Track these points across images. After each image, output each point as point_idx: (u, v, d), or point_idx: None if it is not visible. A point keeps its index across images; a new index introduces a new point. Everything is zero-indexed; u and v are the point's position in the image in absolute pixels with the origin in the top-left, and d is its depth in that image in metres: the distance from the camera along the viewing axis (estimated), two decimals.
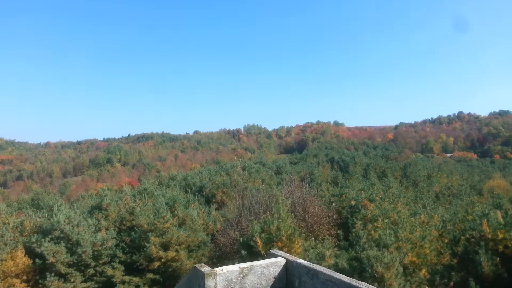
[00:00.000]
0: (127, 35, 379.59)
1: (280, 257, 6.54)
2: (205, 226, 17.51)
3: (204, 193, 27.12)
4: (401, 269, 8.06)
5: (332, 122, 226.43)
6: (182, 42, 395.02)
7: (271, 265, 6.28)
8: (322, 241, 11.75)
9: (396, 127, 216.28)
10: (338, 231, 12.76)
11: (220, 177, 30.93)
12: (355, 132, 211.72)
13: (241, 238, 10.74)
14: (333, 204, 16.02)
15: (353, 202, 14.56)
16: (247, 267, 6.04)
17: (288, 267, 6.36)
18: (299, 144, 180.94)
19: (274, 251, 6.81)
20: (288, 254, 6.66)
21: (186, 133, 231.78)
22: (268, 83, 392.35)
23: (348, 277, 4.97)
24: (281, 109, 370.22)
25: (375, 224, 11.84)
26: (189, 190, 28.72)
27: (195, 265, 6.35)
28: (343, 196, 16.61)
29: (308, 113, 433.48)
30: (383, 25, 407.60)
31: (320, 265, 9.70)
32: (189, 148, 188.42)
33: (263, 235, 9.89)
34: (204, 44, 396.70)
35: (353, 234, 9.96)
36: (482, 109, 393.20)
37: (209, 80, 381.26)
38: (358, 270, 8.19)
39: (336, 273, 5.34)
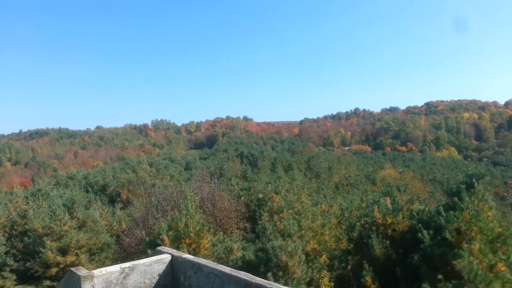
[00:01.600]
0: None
1: (165, 254, 6.40)
2: (109, 227, 16.57)
3: (108, 192, 25.68)
4: (303, 257, 8.49)
5: (241, 117, 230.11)
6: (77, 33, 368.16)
7: (156, 263, 6.14)
8: (230, 234, 11.89)
9: (301, 122, 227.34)
10: (246, 224, 13.02)
11: (126, 174, 29.57)
12: (263, 127, 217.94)
13: (147, 237, 10.37)
14: (242, 197, 16.29)
15: (260, 195, 14.96)
16: (129, 266, 5.82)
17: (174, 263, 6.27)
18: (209, 139, 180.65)
19: (161, 248, 6.67)
20: (174, 250, 6.56)
21: (87, 128, 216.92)
22: (176, 78, 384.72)
23: (229, 268, 5.11)
24: (191, 104, 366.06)
25: (280, 215, 12.31)
26: (91, 190, 26.95)
27: (71, 268, 5.93)
28: (252, 189, 16.98)
29: (218, 108, 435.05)
30: (288, 21, 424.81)
31: (228, 258, 9.82)
32: (91, 144, 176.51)
33: (170, 232, 9.66)
34: (112, 35, 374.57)
35: (260, 226, 10.24)
36: (376, 106, 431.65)
37: (112, 74, 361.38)
38: (264, 260, 8.44)
39: (218, 265, 5.44)
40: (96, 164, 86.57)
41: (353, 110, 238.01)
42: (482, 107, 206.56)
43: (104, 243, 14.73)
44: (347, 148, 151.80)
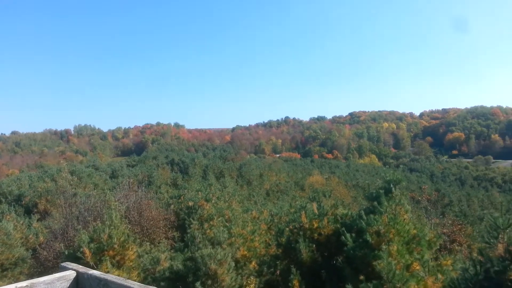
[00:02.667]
0: None
1: (70, 270, 5.88)
2: (24, 240, 15.15)
3: (24, 202, 23.59)
4: (233, 264, 8.43)
5: (172, 124, 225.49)
6: None
7: (58, 280, 5.59)
8: (158, 244, 11.47)
9: (233, 129, 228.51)
10: (175, 233, 12.67)
11: (44, 183, 27.40)
12: (195, 134, 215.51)
13: (66, 250, 9.63)
14: (172, 206, 15.85)
15: (190, 203, 14.67)
16: (26, 285, 5.27)
17: (79, 280, 5.78)
18: (137, 146, 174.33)
19: (66, 264, 6.16)
20: (80, 266, 6.08)
21: (1, 133, 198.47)
22: (103, 82, 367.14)
23: (138, 283, 4.85)
24: (119, 110, 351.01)
25: (211, 223, 12.15)
26: (4, 200, 24.58)
27: None
28: (181, 197, 16.60)
29: (148, 114, 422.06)
30: (220, 28, 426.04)
31: (155, 269, 9.45)
32: (5, 151, 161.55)
33: (92, 244, 9.06)
34: (30, 33, 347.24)
35: (189, 235, 10.01)
36: (305, 115, 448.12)
37: (31, 75, 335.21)
38: (193, 269, 8.24)
39: (127, 280, 5.15)
40: (11, 173, 79.51)
41: (283, 119, 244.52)
42: (399, 117, 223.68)
43: (19, 257, 13.46)
44: (277, 155, 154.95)
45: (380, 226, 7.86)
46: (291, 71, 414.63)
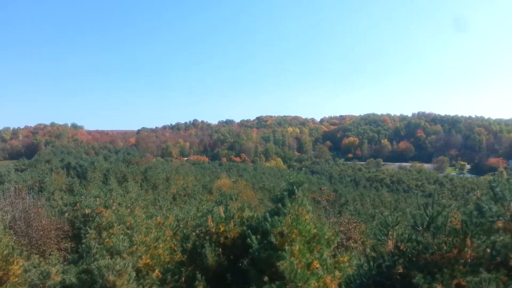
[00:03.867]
0: None
1: None
2: None
3: None
4: (133, 274, 7.95)
5: (69, 125, 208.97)
6: None
7: None
8: (49, 257, 10.39)
9: (138, 131, 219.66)
10: (69, 244, 11.62)
11: None
12: (95, 135, 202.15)
13: None
14: (66, 214, 14.54)
15: (87, 210, 13.59)
16: None
17: None
18: (28, 148, 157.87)
19: None
20: None
21: None
22: None
23: None
24: (6, 108, 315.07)
25: (110, 231, 11.38)
26: None
27: None
28: (77, 204, 15.31)
29: (40, 114, 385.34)
30: (126, 27, 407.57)
31: (45, 284, 8.52)
32: None
33: None
34: None
35: (84, 245, 9.22)
36: (213, 118, 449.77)
37: None
38: (89, 282, 7.58)
39: None
40: None
41: (192, 121, 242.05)
42: (303, 122, 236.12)
43: None
44: (185, 158, 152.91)
45: (283, 227, 8.06)
46: (199, 73, 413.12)
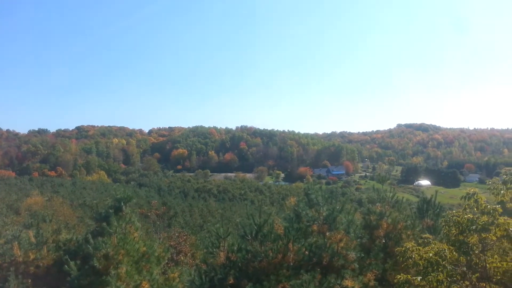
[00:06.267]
0: None
1: None
2: None
3: None
4: None
5: None
6: None
7: None
8: None
9: None
10: None
11: None
12: None
13: None
14: None
15: None
16: None
17: None
18: None
19: None
20: None
21: None
22: None
23: None
24: None
25: None
26: None
27: None
28: None
29: None
30: None
31: None
32: None
33: None
34: None
35: None
36: (22, 127, 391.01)
37: None
38: None
39: None
40: None
41: None
42: (130, 133, 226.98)
43: None
44: None
45: (109, 249, 7.37)
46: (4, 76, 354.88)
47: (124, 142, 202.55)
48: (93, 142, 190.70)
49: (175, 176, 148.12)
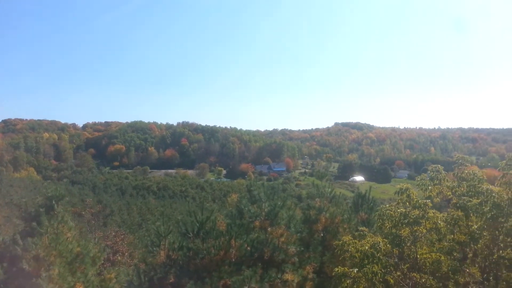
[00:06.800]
0: None
1: None
2: None
3: None
4: None
5: None
6: None
7: None
8: None
9: None
10: None
11: None
12: None
13: None
14: None
15: None
16: None
17: None
18: None
19: None
20: None
21: None
22: None
23: None
24: None
25: None
26: None
27: None
28: None
29: None
30: None
31: None
32: None
33: None
34: None
35: None
36: None
37: None
38: None
39: None
40: None
41: None
42: (62, 128, 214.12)
43: None
44: None
45: (39, 250, 6.92)
46: None
47: (56, 137, 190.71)
48: (21, 136, 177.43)
49: (112, 173, 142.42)
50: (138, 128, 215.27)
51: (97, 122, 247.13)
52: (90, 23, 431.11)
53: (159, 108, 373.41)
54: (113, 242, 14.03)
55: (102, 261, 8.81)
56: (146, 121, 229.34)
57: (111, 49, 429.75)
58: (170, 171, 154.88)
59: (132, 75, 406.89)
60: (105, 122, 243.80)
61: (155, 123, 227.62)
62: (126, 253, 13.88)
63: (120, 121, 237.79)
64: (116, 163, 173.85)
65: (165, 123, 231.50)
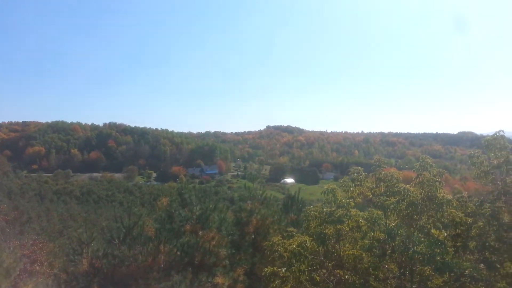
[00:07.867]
0: None
1: None
2: None
3: None
4: None
5: None
6: None
7: None
8: None
9: None
10: None
11: None
12: None
13: None
14: None
15: None
16: None
17: None
18: None
19: None
20: None
21: None
22: None
23: None
24: None
25: None
26: None
27: None
28: None
29: None
30: None
31: None
32: None
33: None
34: None
35: None
36: None
37: None
38: None
39: None
40: None
41: None
42: None
43: None
44: None
45: None
46: None
47: None
48: None
49: (30, 177, 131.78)
50: (59, 128, 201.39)
51: (13, 121, 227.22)
52: (5, 17, 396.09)
53: (83, 108, 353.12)
54: (31, 251, 12.95)
55: (18, 272, 8.13)
56: (69, 121, 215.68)
57: (29, 40, 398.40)
58: (95, 174, 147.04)
59: (53, 71, 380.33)
60: (23, 122, 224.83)
61: (78, 123, 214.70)
62: (46, 263, 12.89)
63: (39, 120, 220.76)
64: (35, 166, 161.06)
65: (90, 124, 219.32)
